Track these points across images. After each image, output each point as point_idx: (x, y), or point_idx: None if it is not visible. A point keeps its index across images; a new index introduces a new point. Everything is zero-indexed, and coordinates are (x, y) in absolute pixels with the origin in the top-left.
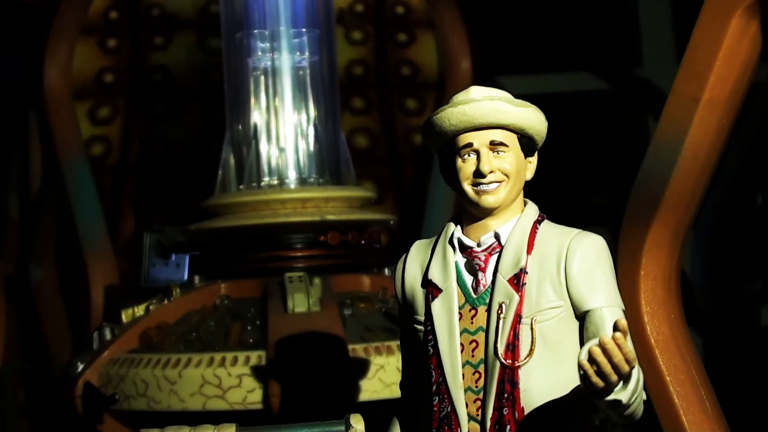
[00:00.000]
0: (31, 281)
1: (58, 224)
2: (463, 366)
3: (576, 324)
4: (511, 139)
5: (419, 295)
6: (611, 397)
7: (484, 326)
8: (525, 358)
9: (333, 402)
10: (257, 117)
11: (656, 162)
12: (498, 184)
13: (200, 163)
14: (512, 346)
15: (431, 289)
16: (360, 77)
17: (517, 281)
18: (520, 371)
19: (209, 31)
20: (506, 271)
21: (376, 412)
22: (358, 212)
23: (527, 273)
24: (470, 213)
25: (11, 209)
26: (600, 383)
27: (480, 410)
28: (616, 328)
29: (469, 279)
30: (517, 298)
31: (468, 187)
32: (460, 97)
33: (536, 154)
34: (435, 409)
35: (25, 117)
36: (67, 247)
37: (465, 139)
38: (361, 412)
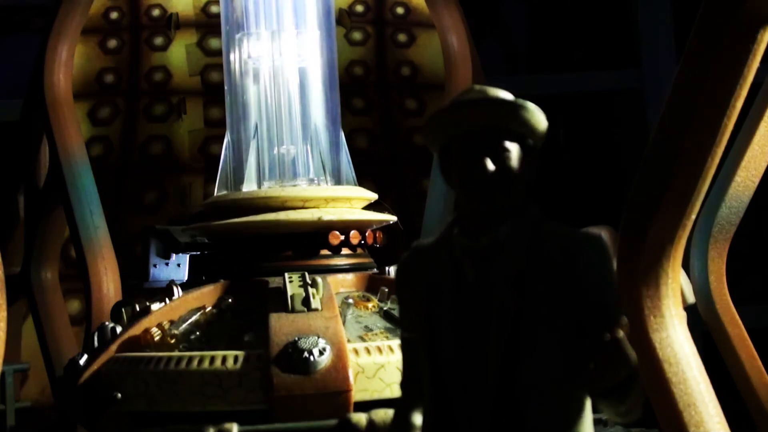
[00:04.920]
0: (32, 281)
1: (61, 223)
2: (463, 366)
3: (577, 323)
4: (512, 139)
5: (419, 295)
6: (612, 396)
7: (485, 326)
8: (525, 358)
9: (333, 402)
10: (257, 117)
11: (656, 162)
12: (498, 184)
13: (200, 163)
14: (512, 346)
15: (432, 289)
16: (360, 77)
17: (518, 281)
18: (520, 371)
19: (209, 31)
20: (507, 271)
21: (377, 412)
22: (358, 212)
23: (528, 273)
24: (470, 213)
25: (16, 209)
26: (601, 383)
27: (480, 410)
28: (616, 327)
29: (469, 279)
30: (517, 297)
31: (468, 188)
32: (460, 97)
33: (537, 154)
34: (435, 408)
35: (31, 117)
36: (69, 247)
37: (465, 139)
38: (361, 412)
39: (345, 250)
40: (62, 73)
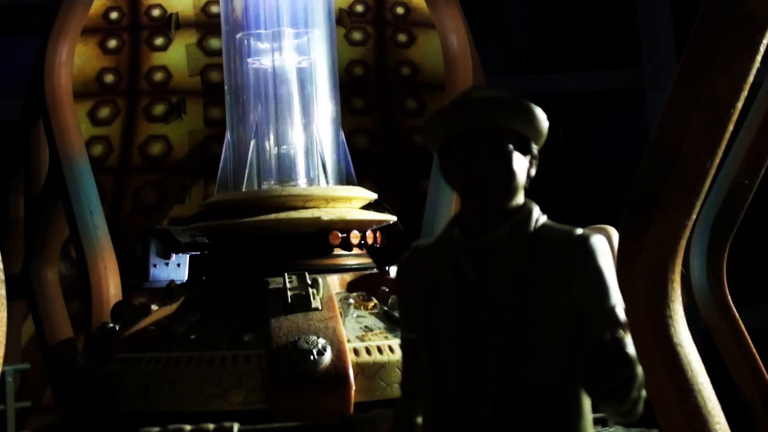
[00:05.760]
0: (32, 281)
1: (61, 223)
2: (463, 365)
3: (577, 323)
4: (512, 139)
5: (419, 295)
6: (612, 396)
7: (485, 326)
8: (525, 358)
9: (333, 402)
10: (257, 117)
11: (656, 162)
12: (498, 184)
13: (200, 163)
14: (512, 346)
15: (432, 289)
16: (360, 77)
17: (518, 281)
18: (520, 371)
19: (209, 31)
20: (507, 270)
21: (377, 412)
22: (358, 212)
23: (528, 272)
24: (470, 213)
25: (17, 209)
26: (601, 382)
27: (480, 410)
28: (617, 327)
29: (469, 279)
30: (517, 297)
31: (468, 187)
32: (460, 97)
33: (537, 153)
34: (435, 408)
35: (31, 117)
36: (70, 247)
37: (465, 139)
38: (361, 412)
39: (345, 250)
40: (62, 73)
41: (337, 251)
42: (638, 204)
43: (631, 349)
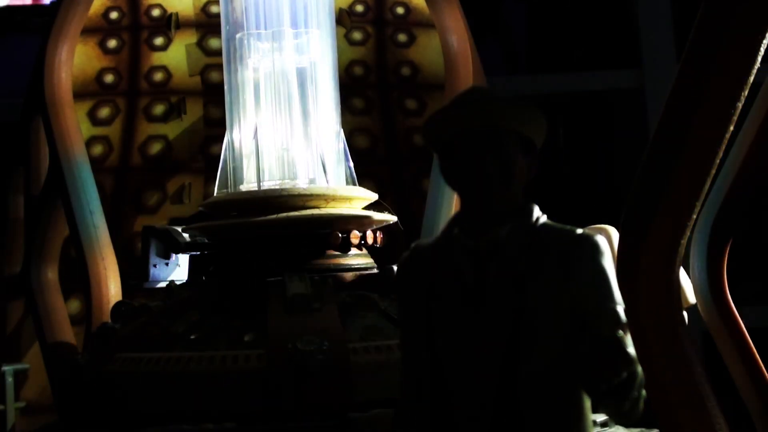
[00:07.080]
0: (32, 281)
1: (61, 223)
2: (463, 366)
3: (578, 323)
4: (512, 138)
5: (420, 295)
6: (612, 396)
7: (485, 326)
8: (525, 358)
9: (333, 402)
10: (257, 117)
11: (656, 162)
12: (498, 184)
13: (200, 163)
14: (512, 346)
15: (432, 289)
16: (360, 77)
17: (518, 281)
18: (520, 371)
19: (209, 31)
20: (507, 270)
21: (377, 412)
22: (358, 212)
23: (528, 272)
24: (470, 213)
25: (17, 209)
26: (601, 382)
27: (480, 409)
28: (617, 327)
29: (469, 279)
30: (517, 297)
31: (468, 187)
32: (460, 97)
33: (536, 154)
34: (435, 408)
35: (31, 117)
36: (70, 247)
37: (465, 139)
38: (361, 412)
39: (345, 250)
40: (62, 73)
41: (338, 251)
42: (638, 204)
43: (631, 349)
